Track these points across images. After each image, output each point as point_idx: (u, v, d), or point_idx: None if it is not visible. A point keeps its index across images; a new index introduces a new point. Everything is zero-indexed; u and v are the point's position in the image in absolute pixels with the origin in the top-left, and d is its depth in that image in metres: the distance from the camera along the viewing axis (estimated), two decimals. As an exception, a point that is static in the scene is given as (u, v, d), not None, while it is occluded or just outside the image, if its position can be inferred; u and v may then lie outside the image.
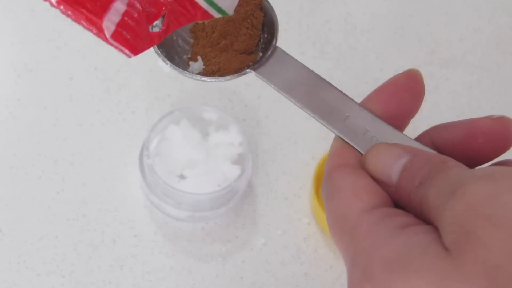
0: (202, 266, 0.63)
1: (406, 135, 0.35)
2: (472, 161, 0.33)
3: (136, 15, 0.35)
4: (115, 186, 0.65)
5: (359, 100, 0.36)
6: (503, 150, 0.33)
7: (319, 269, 0.63)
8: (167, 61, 0.39)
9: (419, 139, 0.35)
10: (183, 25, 0.38)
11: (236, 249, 0.64)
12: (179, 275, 0.62)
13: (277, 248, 0.64)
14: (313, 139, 0.69)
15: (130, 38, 0.36)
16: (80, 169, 0.66)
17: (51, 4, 0.33)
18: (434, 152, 0.33)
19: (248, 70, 0.39)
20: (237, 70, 0.39)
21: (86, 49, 0.72)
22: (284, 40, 0.80)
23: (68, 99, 0.69)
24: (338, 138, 0.35)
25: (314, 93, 0.38)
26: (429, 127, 0.36)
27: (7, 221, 0.63)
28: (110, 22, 0.35)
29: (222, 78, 0.39)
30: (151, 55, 0.77)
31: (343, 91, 0.37)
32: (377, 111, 0.35)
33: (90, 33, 0.38)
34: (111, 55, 0.72)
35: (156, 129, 0.64)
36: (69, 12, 0.33)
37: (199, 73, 0.40)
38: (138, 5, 0.35)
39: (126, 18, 0.36)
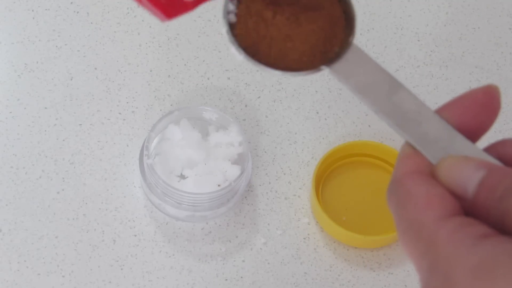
0: (202, 266, 0.63)
1: (478, 148, 0.35)
2: None
3: None
4: (115, 186, 0.66)
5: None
6: None
7: (319, 269, 0.63)
8: (241, 50, 0.37)
9: (486, 151, 0.35)
10: None
11: (236, 249, 0.64)
12: (179, 275, 0.62)
13: (277, 248, 0.64)
14: (313, 139, 0.69)
15: (164, 1, 0.35)
16: (80, 169, 0.66)
17: None
18: (510, 168, 0.33)
19: (323, 66, 0.37)
20: (309, 57, 0.37)
21: (86, 49, 0.72)
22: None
23: (68, 99, 0.69)
24: (408, 144, 0.35)
25: (388, 96, 0.36)
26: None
27: (7, 221, 0.63)
28: None
29: (295, 73, 0.37)
30: (150, 54, 0.78)
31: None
32: (450, 121, 0.35)
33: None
34: (111, 55, 0.72)
35: (156, 129, 0.64)
36: None
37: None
38: None
39: None
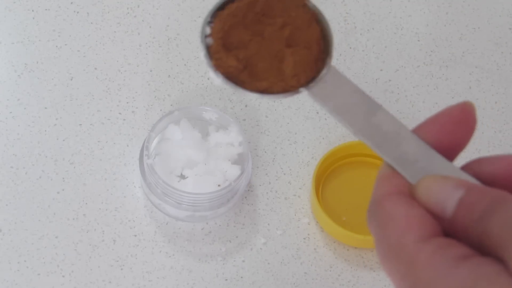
0: (202, 266, 0.63)
1: (456, 167, 0.35)
2: None
3: None
4: (115, 186, 0.66)
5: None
6: None
7: (319, 269, 0.63)
8: (218, 73, 0.37)
9: (463, 170, 0.35)
10: None
11: (236, 249, 0.64)
12: (179, 275, 0.62)
13: (277, 248, 0.64)
14: (313, 139, 0.69)
15: None
16: (80, 169, 0.66)
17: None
18: (488, 187, 0.33)
19: (301, 89, 0.37)
20: (285, 84, 0.37)
21: (86, 49, 0.72)
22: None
23: (68, 99, 0.69)
24: (387, 165, 0.35)
25: (367, 118, 0.36)
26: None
27: (7, 221, 0.63)
28: None
29: (273, 96, 0.37)
30: (150, 54, 0.78)
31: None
32: (428, 140, 0.35)
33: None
34: (111, 55, 0.72)
35: (156, 129, 0.64)
36: None
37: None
38: None
39: None
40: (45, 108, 0.68)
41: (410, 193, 0.33)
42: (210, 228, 0.64)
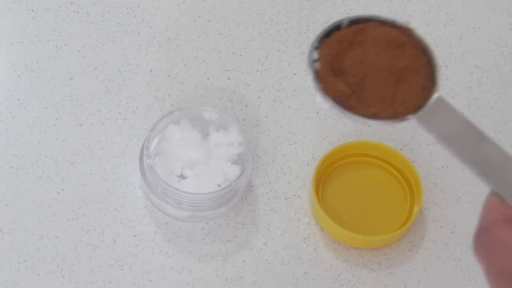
0: (202, 266, 0.63)
1: None
2: None
3: None
4: (115, 186, 0.66)
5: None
6: None
7: (319, 269, 0.63)
8: (328, 98, 0.38)
9: None
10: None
11: (236, 249, 0.64)
12: (179, 275, 0.62)
13: (277, 248, 0.64)
14: (313, 139, 0.69)
15: None
16: (80, 169, 0.66)
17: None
18: None
19: (410, 115, 0.38)
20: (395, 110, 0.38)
21: (86, 49, 0.72)
22: (284, 40, 0.80)
23: (68, 99, 0.69)
24: (494, 193, 0.36)
25: (474, 147, 0.37)
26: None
27: (7, 221, 0.63)
28: None
29: (383, 122, 0.38)
30: (150, 54, 0.78)
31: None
32: None
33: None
34: (111, 55, 0.72)
35: (156, 129, 0.64)
36: None
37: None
38: None
39: None
40: (45, 108, 0.68)
41: None
42: (210, 228, 0.64)
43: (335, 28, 0.40)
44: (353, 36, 0.40)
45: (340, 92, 0.38)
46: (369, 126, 0.68)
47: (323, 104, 0.38)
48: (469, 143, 0.37)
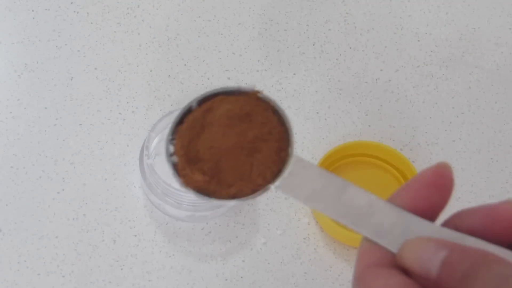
0: (202, 266, 0.63)
1: (436, 225, 0.35)
2: (495, 243, 0.34)
3: None
4: (115, 186, 0.66)
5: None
6: None
7: (319, 269, 0.63)
8: (189, 189, 0.38)
9: (444, 226, 0.35)
10: None
11: (236, 249, 0.64)
12: (179, 275, 0.62)
13: (277, 248, 0.64)
14: (313, 139, 0.69)
15: None
16: (80, 169, 0.66)
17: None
18: (469, 246, 0.33)
19: (269, 185, 0.37)
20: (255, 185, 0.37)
21: (86, 49, 0.72)
22: (284, 40, 0.80)
23: (68, 99, 0.69)
24: (366, 239, 0.35)
25: (338, 197, 0.36)
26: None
27: (7, 221, 0.63)
28: None
29: (245, 198, 0.37)
30: (150, 54, 0.78)
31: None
32: (403, 207, 0.35)
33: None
34: (111, 55, 0.72)
35: (156, 129, 0.64)
36: None
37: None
38: None
39: None
40: (45, 108, 0.68)
41: (393, 262, 0.34)
42: (210, 228, 0.64)
43: (188, 111, 0.40)
44: (203, 117, 0.39)
45: (199, 182, 0.38)
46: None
47: (187, 193, 0.38)
48: (334, 196, 0.36)
